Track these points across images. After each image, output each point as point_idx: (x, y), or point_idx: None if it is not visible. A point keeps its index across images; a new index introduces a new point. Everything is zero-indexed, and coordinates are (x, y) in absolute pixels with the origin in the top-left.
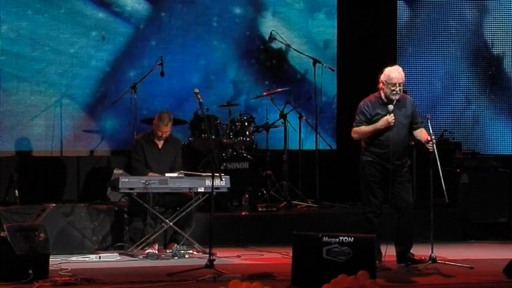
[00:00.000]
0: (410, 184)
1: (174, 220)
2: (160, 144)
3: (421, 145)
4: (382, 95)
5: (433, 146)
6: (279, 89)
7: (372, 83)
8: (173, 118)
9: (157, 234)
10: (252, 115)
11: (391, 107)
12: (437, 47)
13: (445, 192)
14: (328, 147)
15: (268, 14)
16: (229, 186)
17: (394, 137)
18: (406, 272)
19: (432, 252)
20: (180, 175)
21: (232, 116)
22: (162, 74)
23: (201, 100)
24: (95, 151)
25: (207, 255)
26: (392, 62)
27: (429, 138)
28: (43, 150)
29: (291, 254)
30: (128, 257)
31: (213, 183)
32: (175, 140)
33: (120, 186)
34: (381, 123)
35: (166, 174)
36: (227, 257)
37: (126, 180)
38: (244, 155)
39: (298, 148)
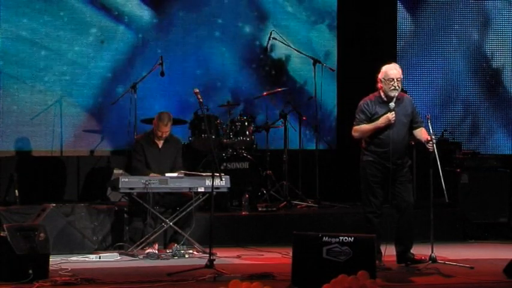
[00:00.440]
0: (411, 184)
1: (174, 220)
2: (160, 144)
3: (421, 145)
4: (382, 94)
5: (433, 146)
6: (279, 89)
7: (372, 84)
8: (173, 118)
9: (157, 234)
10: (252, 115)
11: (392, 104)
12: (437, 48)
13: (445, 192)
14: (328, 147)
15: (269, 24)
16: (229, 186)
17: (395, 136)
18: (406, 272)
19: (432, 252)
20: (180, 175)
21: (232, 116)
22: (162, 74)
23: (201, 100)
24: (95, 151)
25: (207, 255)
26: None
27: (429, 138)
28: (43, 150)
29: (291, 254)
30: (128, 257)
31: (213, 183)
32: (175, 140)
33: (120, 186)
34: (381, 120)
35: (167, 174)
36: (227, 257)
37: (126, 180)
38: (244, 155)
39: (298, 148)
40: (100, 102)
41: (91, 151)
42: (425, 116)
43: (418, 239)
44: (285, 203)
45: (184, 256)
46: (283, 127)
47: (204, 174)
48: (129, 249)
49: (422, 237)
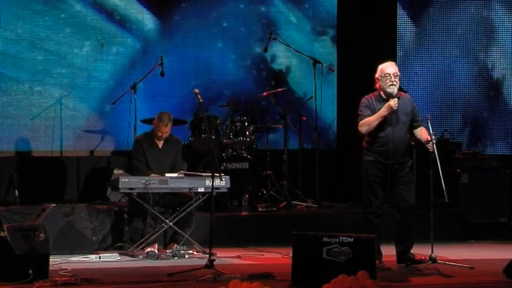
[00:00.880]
0: (412, 185)
1: (174, 220)
2: (160, 144)
3: (421, 145)
4: (381, 92)
5: (433, 146)
6: (279, 89)
7: (371, 84)
8: (173, 118)
9: (157, 234)
10: (252, 115)
11: (395, 91)
12: (437, 48)
13: (445, 192)
14: (328, 147)
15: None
16: (229, 186)
17: (395, 135)
18: (406, 272)
19: (432, 252)
20: (180, 175)
21: (232, 116)
22: (162, 74)
23: (201, 100)
24: (95, 151)
25: (207, 255)
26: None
27: (429, 138)
28: (43, 150)
29: (291, 254)
30: (128, 257)
31: (213, 183)
32: (175, 140)
33: (120, 186)
34: (384, 108)
35: (167, 174)
36: (227, 257)
37: (126, 180)
38: (244, 155)
39: (298, 148)
40: (100, 102)
41: (91, 151)
42: (426, 117)
43: (418, 239)
44: (285, 203)
45: (184, 256)
46: (283, 127)
47: (204, 174)
48: (129, 249)
49: (422, 237)
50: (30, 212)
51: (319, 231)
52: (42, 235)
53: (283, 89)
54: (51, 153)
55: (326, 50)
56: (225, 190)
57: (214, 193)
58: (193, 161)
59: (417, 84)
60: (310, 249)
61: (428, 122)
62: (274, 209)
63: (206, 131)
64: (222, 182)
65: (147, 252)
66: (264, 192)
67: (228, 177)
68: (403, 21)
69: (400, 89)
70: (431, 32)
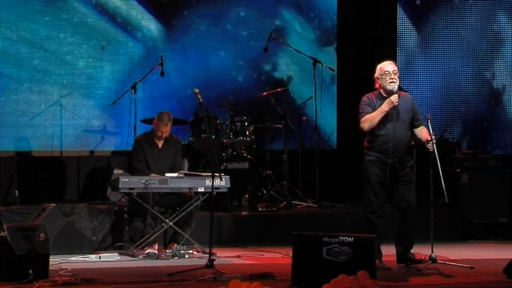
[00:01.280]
0: (413, 185)
1: (174, 220)
2: (160, 144)
3: (421, 145)
4: (381, 91)
5: (433, 146)
6: (279, 89)
7: (371, 84)
8: (173, 118)
9: (157, 234)
10: (252, 115)
11: (395, 87)
12: (437, 48)
13: (445, 192)
14: (328, 147)
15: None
16: (229, 186)
17: (396, 133)
18: (406, 272)
19: (432, 252)
20: (180, 175)
21: (232, 116)
22: (162, 74)
23: (201, 100)
24: (95, 151)
25: (207, 255)
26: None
27: (429, 138)
28: (43, 150)
29: (291, 254)
30: (128, 257)
31: (213, 183)
32: (175, 140)
33: (120, 186)
34: (385, 104)
35: (167, 174)
36: (227, 257)
37: (126, 180)
38: (244, 155)
39: (298, 148)
40: (100, 102)
41: (91, 151)
42: (425, 116)
43: (418, 239)
44: (285, 203)
45: (184, 256)
46: (283, 127)
47: (204, 174)
48: (129, 249)
49: (422, 237)
50: (30, 212)
51: (319, 231)
52: (42, 235)
53: (283, 89)
54: (51, 153)
55: (329, 57)
56: (225, 190)
57: (214, 193)
58: (193, 161)
59: (417, 84)
60: (310, 249)
61: (428, 121)
62: (274, 209)
63: (206, 131)
64: (222, 182)
65: (147, 252)
66: (264, 192)
67: (228, 177)
68: (403, 22)
69: (400, 89)
70: (432, 32)
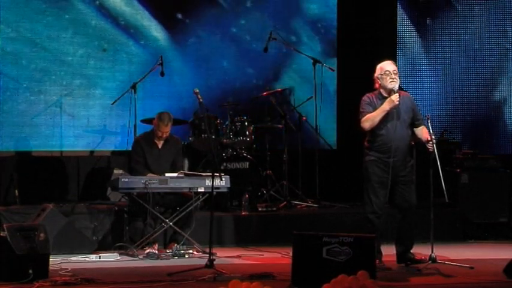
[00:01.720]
0: (414, 185)
1: (174, 220)
2: (160, 144)
3: (421, 145)
4: (381, 91)
5: (433, 146)
6: (279, 89)
7: (371, 84)
8: (173, 118)
9: (157, 234)
10: (252, 115)
11: (396, 86)
12: (437, 48)
13: (445, 192)
14: (328, 147)
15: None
16: (229, 186)
17: (397, 132)
18: (406, 272)
19: (432, 252)
20: (180, 175)
21: (232, 116)
22: (162, 74)
23: (201, 100)
24: (95, 151)
25: (207, 255)
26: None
27: (429, 138)
28: (43, 150)
29: (291, 254)
30: (128, 257)
31: (213, 183)
32: (175, 140)
33: (120, 186)
34: (386, 103)
35: (166, 174)
36: (227, 257)
37: (126, 180)
38: (244, 155)
39: (298, 148)
40: (100, 102)
41: (91, 151)
42: (425, 116)
43: (418, 239)
44: (285, 203)
45: (184, 256)
46: (283, 127)
47: (204, 174)
48: (129, 249)
49: (422, 237)
50: (30, 211)
51: (319, 231)
52: (42, 235)
53: (283, 89)
54: (51, 153)
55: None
56: (225, 190)
57: (214, 193)
58: (193, 161)
59: (417, 84)
60: (310, 249)
61: (428, 121)
62: (274, 209)
63: (206, 131)
64: (222, 182)
65: (147, 252)
66: (264, 192)
67: (228, 177)
68: (403, 22)
69: (400, 88)
70: (432, 32)
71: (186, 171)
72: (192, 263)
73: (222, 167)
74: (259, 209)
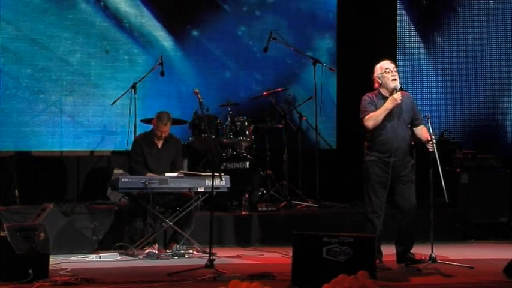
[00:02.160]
0: (414, 185)
1: (174, 220)
2: (160, 144)
3: (421, 145)
4: (381, 90)
5: (433, 146)
6: (279, 89)
7: (372, 84)
8: (173, 118)
9: (157, 234)
10: (252, 115)
11: (398, 85)
12: (437, 49)
13: (445, 192)
14: (328, 147)
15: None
16: (229, 186)
17: (398, 132)
18: (406, 272)
19: (432, 252)
20: (180, 175)
21: (232, 116)
22: (162, 74)
23: (201, 100)
24: (95, 151)
25: (207, 255)
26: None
27: (429, 138)
28: (43, 150)
29: (291, 254)
30: (128, 257)
31: (213, 183)
32: (175, 140)
33: (120, 186)
34: (389, 101)
35: (166, 174)
36: (227, 257)
37: (126, 180)
38: (244, 155)
39: (298, 148)
40: (100, 102)
41: (91, 151)
42: (425, 116)
43: (418, 239)
44: (285, 203)
45: (184, 256)
46: (283, 127)
47: (204, 174)
48: (129, 249)
49: (422, 237)
50: (30, 211)
51: (319, 231)
52: (42, 235)
53: (283, 89)
54: (51, 153)
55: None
56: (225, 190)
57: (214, 193)
58: (193, 161)
59: (417, 84)
60: (310, 249)
61: (428, 121)
62: (274, 209)
63: (206, 131)
64: (222, 182)
65: (147, 252)
66: (264, 192)
67: (228, 177)
68: (403, 22)
69: (400, 88)
70: (432, 32)
71: (186, 171)
72: (192, 263)
73: (222, 167)
74: (259, 209)
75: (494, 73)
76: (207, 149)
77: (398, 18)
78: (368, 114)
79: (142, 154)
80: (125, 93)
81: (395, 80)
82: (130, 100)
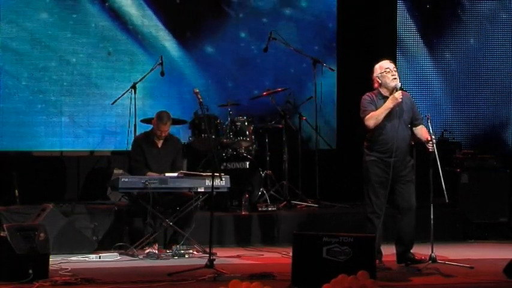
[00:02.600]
0: (414, 185)
1: (174, 220)
2: (160, 144)
3: (421, 145)
4: (381, 90)
5: (433, 146)
6: (279, 89)
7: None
8: (173, 118)
9: (157, 234)
10: (252, 115)
11: (398, 84)
12: (437, 48)
13: (445, 192)
14: (328, 147)
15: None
16: (229, 186)
17: (399, 132)
18: (406, 272)
19: (432, 252)
20: (180, 175)
21: (232, 116)
22: (162, 74)
23: (201, 100)
24: (95, 151)
25: (207, 255)
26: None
27: (429, 138)
28: (43, 150)
29: (291, 254)
30: (128, 257)
31: (213, 183)
32: (175, 140)
33: (120, 186)
34: (389, 101)
35: (166, 174)
36: (227, 257)
37: (126, 180)
38: (244, 155)
39: (298, 148)
40: (100, 102)
41: (91, 151)
42: (426, 116)
43: (418, 239)
44: (285, 203)
45: (184, 256)
46: (283, 127)
47: (204, 174)
48: (129, 249)
49: (422, 237)
50: (30, 211)
51: (319, 231)
52: (42, 235)
53: (283, 89)
54: (51, 153)
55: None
56: (225, 190)
57: (214, 193)
58: (193, 161)
59: (417, 84)
60: (310, 249)
61: (428, 121)
62: (274, 209)
63: (206, 131)
64: (222, 182)
65: (147, 252)
66: (264, 192)
67: (228, 177)
68: (403, 22)
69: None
70: (432, 32)
71: (186, 171)
72: (192, 263)
73: (222, 167)
74: (259, 209)
75: (495, 73)
76: (207, 149)
77: (399, 18)
78: (369, 113)
79: (142, 153)
80: (125, 93)
81: (395, 79)
82: (130, 100)
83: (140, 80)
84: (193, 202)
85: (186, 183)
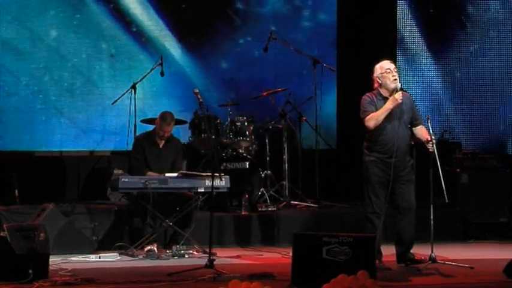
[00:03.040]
0: (413, 185)
1: (174, 220)
2: (161, 144)
3: (421, 145)
4: (381, 90)
5: (433, 146)
6: (279, 89)
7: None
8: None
9: (157, 234)
10: (252, 115)
11: (399, 85)
12: (437, 48)
13: (445, 192)
14: (328, 147)
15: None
16: (229, 186)
17: (399, 132)
18: (406, 272)
19: (432, 252)
20: (180, 175)
21: (232, 116)
22: (162, 74)
23: (201, 100)
24: (95, 151)
25: (207, 255)
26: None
27: (429, 138)
28: (43, 150)
29: (291, 254)
30: (128, 257)
31: (213, 183)
32: (176, 141)
33: (120, 186)
34: (390, 102)
35: (166, 174)
36: (227, 257)
37: (126, 180)
38: (244, 155)
39: (298, 148)
40: (100, 102)
41: (91, 151)
42: (426, 116)
43: (418, 239)
44: (285, 203)
45: (184, 256)
46: (283, 127)
47: (204, 174)
48: (129, 249)
49: (422, 237)
50: (30, 211)
51: (319, 231)
52: (42, 235)
53: (283, 88)
54: (51, 153)
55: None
56: (225, 190)
57: (214, 193)
58: (193, 161)
59: (417, 84)
60: (310, 249)
61: (429, 122)
62: (274, 209)
63: (206, 131)
64: (222, 182)
65: (147, 252)
66: (264, 192)
67: (228, 177)
68: (403, 21)
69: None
70: (431, 32)
71: (186, 171)
72: (192, 263)
73: (222, 167)
74: (259, 209)
75: (495, 73)
76: (207, 149)
77: (399, 18)
78: (369, 114)
79: (143, 153)
80: (125, 93)
81: (396, 80)
82: (130, 100)
83: (140, 80)
84: (193, 202)
85: (186, 184)
